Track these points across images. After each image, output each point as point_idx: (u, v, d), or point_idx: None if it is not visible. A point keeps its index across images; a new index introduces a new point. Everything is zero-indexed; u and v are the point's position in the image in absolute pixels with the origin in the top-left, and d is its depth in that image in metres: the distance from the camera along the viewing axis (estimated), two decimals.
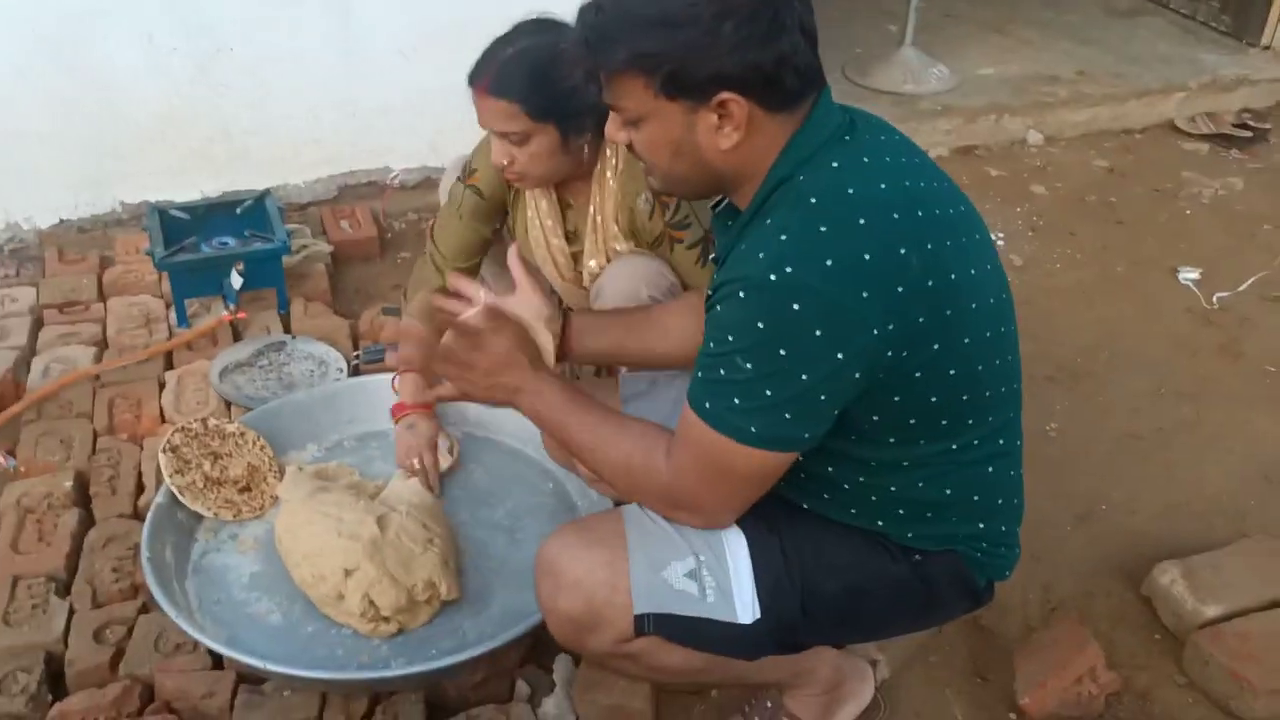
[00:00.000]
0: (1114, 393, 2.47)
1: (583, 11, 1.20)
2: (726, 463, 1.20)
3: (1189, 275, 2.94)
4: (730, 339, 1.14)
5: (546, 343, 1.54)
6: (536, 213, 1.91)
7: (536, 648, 1.70)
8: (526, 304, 1.54)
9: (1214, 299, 2.84)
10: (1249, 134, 3.80)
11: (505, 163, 1.74)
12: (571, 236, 1.92)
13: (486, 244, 1.99)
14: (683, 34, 1.12)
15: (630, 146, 1.27)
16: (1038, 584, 1.90)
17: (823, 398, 1.15)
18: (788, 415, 1.15)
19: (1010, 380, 1.30)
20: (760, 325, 1.12)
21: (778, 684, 1.55)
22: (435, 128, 2.98)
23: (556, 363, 1.61)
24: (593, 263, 1.88)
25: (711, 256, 1.78)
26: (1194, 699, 1.71)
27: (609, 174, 1.80)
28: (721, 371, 1.16)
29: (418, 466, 1.93)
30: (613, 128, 1.27)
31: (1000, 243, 3.08)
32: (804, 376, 1.12)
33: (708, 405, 1.18)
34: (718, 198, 1.36)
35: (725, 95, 1.15)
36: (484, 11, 2.78)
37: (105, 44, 2.61)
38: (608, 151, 1.79)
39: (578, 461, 1.45)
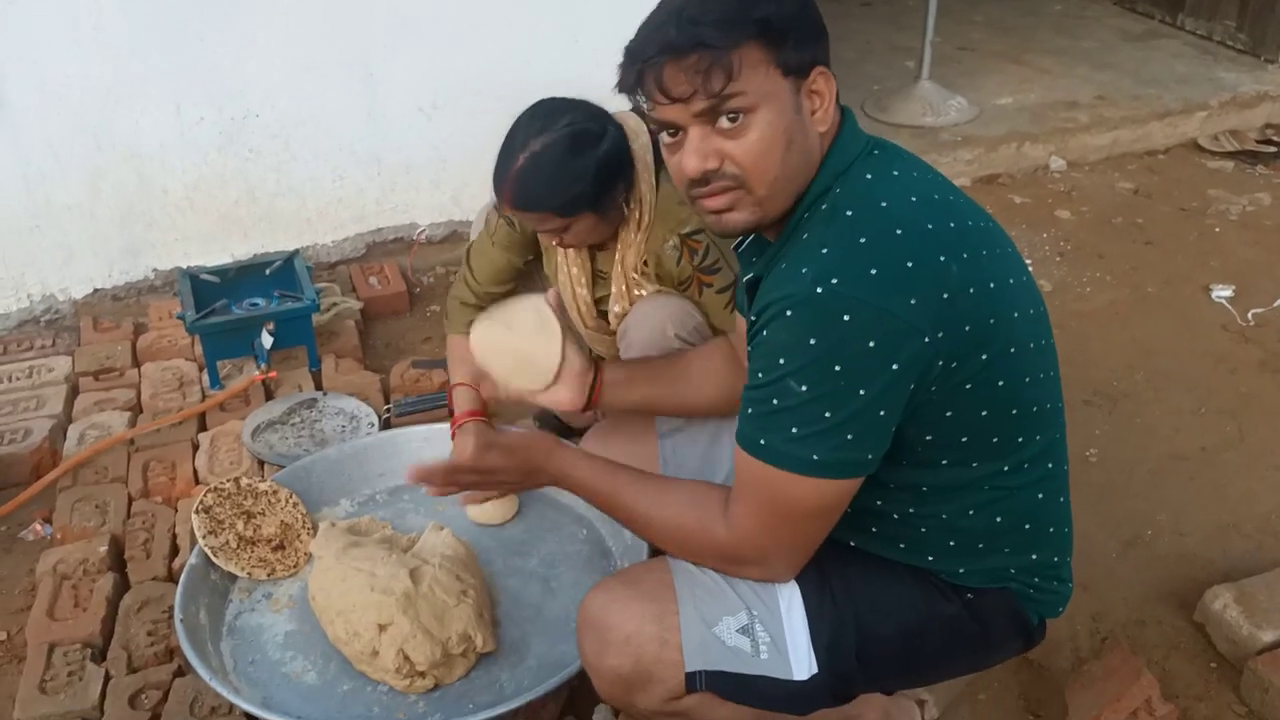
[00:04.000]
0: (1154, 414, 2.42)
1: (681, 8, 1.11)
2: (790, 500, 1.15)
3: (1222, 293, 2.89)
4: (782, 362, 1.11)
5: (546, 361, 1.54)
6: (564, 260, 1.92)
7: (575, 699, 1.67)
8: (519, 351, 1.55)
9: (1249, 315, 2.79)
10: (1273, 149, 3.76)
11: (554, 243, 1.79)
12: (600, 277, 1.93)
13: (519, 273, 2.00)
14: (790, 5, 1.12)
15: (714, 171, 1.14)
16: (1087, 614, 1.85)
17: (882, 413, 1.11)
18: (850, 436, 1.11)
19: (1054, 397, 1.27)
20: (812, 342, 1.09)
21: None
22: (458, 182, 3.02)
23: (584, 411, 1.61)
24: (617, 308, 1.89)
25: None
26: None
27: (633, 225, 1.81)
28: (775, 401, 1.12)
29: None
30: (696, 159, 1.13)
31: (1029, 268, 3.04)
32: (861, 392, 1.09)
33: (763, 441, 1.14)
34: (740, 237, 1.35)
35: (820, 68, 1.15)
36: (500, 68, 2.87)
37: (134, 116, 2.67)
38: (632, 205, 1.80)
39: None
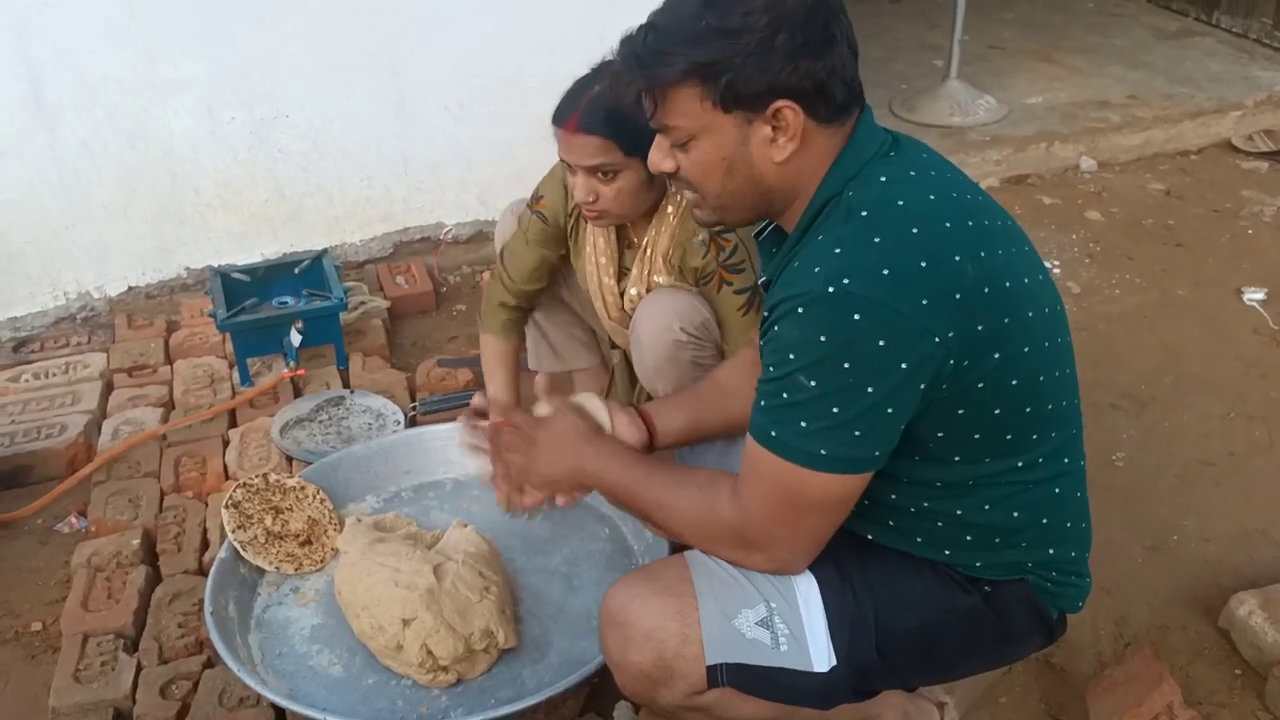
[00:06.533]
0: (1182, 418, 2.40)
1: (627, 39, 1.21)
2: (798, 492, 1.17)
3: (1254, 296, 2.86)
4: (792, 357, 1.13)
5: (600, 412, 1.55)
6: (594, 250, 1.94)
7: (596, 695, 1.69)
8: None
9: None
10: None
11: (590, 199, 1.75)
12: (626, 272, 1.94)
13: (553, 269, 2.03)
14: (740, 42, 1.13)
15: (674, 174, 1.26)
16: (1110, 618, 1.84)
17: (890, 411, 1.13)
18: (857, 433, 1.13)
19: (1070, 394, 1.28)
20: (822, 339, 1.11)
21: None
22: (484, 182, 3.04)
23: (648, 449, 1.58)
24: (634, 290, 1.90)
25: (755, 305, 1.78)
26: None
27: (670, 209, 1.82)
28: (785, 395, 1.14)
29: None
30: (658, 155, 1.26)
31: (1056, 270, 3.02)
32: (870, 390, 1.11)
33: (773, 434, 1.16)
34: (762, 224, 1.36)
35: (781, 103, 1.16)
36: (526, 68, 2.88)
37: (167, 116, 2.72)
38: (672, 188, 1.80)
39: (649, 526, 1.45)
